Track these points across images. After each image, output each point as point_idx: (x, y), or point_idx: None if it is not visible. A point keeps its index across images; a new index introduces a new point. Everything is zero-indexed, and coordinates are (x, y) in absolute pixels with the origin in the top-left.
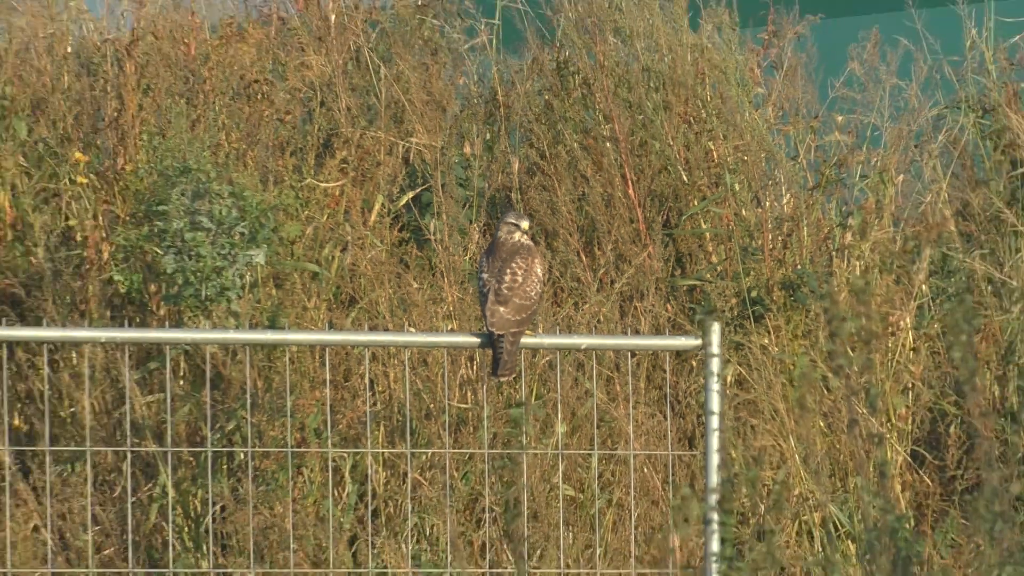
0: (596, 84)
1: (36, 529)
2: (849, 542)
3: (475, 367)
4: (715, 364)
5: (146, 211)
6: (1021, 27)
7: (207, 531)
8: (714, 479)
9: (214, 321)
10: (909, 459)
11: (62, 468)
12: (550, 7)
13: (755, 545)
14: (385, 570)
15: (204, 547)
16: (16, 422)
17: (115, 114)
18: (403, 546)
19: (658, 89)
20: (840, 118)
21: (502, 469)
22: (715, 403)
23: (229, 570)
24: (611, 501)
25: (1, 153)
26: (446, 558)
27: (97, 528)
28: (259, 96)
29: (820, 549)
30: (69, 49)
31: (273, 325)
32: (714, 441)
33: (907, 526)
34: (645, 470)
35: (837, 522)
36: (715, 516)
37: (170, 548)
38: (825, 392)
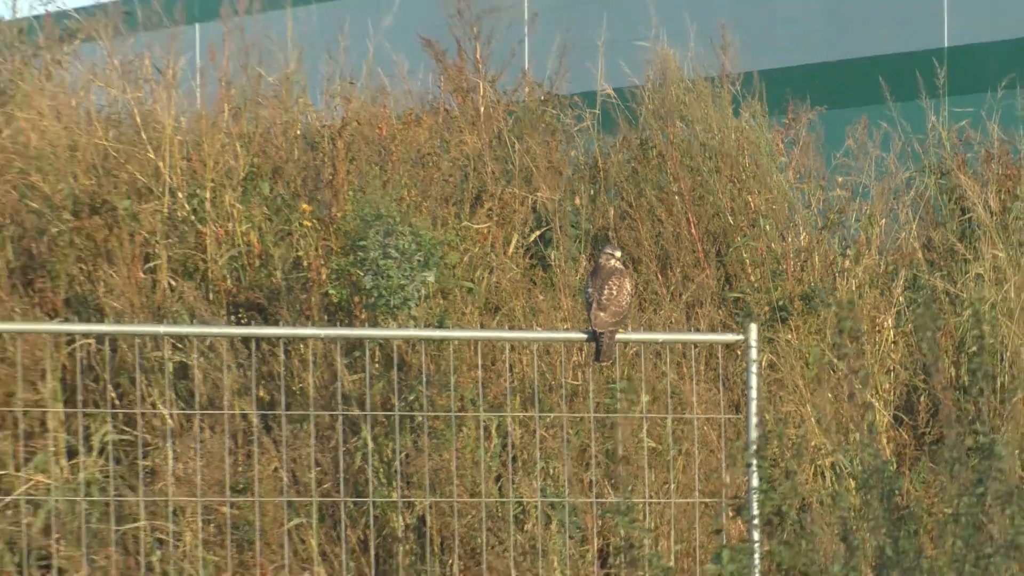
0: (668, 155)
1: (275, 470)
2: (850, 480)
3: (583, 355)
4: (753, 353)
5: (351, 245)
6: (966, 115)
7: (396, 471)
8: (753, 435)
9: (399, 322)
10: (892, 420)
11: (294, 426)
12: (635, 101)
13: (783, 482)
14: (521, 500)
15: (394, 483)
16: (261, 394)
17: (330, 177)
18: (533, 482)
19: (711, 158)
20: (840, 179)
21: (604, 428)
22: (753, 381)
23: (411, 499)
24: (680, 451)
25: (251, 205)
26: (564, 491)
27: (318, 468)
28: (430, 164)
29: (829, 484)
30: (298, 131)
31: (441, 325)
32: (753, 407)
33: (890, 468)
34: (705, 428)
35: (841, 466)
36: (754, 461)
37: (370, 483)
38: (831, 372)
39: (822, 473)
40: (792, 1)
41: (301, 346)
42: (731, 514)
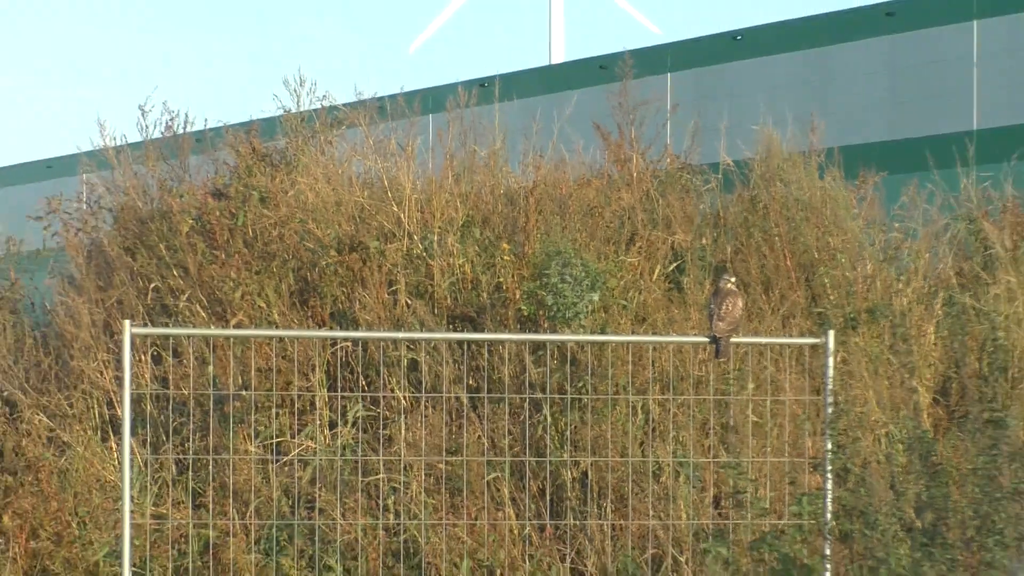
0: (770, 208)
1: (479, 438)
2: (899, 445)
3: (707, 354)
4: (830, 352)
5: (538, 273)
6: (987, 179)
7: (567, 438)
8: (829, 411)
9: (572, 330)
10: (931, 401)
11: (493, 405)
12: (747, 168)
13: (850, 446)
14: (658, 459)
15: (565, 447)
16: (470, 382)
17: (523, 224)
18: (667, 447)
19: (803, 210)
20: (896, 225)
21: (720, 407)
22: (830, 372)
23: (577, 459)
24: (776, 423)
25: (467, 245)
26: (689, 452)
27: (510, 436)
28: (596, 214)
29: (884, 448)
30: (501, 191)
31: (602, 332)
32: (829, 391)
33: (928, 436)
34: (794, 407)
35: (893, 434)
36: (829, 431)
37: (548, 448)
38: (888, 366)
39: (879, 440)
40: (860, 94)
41: (500, 347)
42: (811, 470)
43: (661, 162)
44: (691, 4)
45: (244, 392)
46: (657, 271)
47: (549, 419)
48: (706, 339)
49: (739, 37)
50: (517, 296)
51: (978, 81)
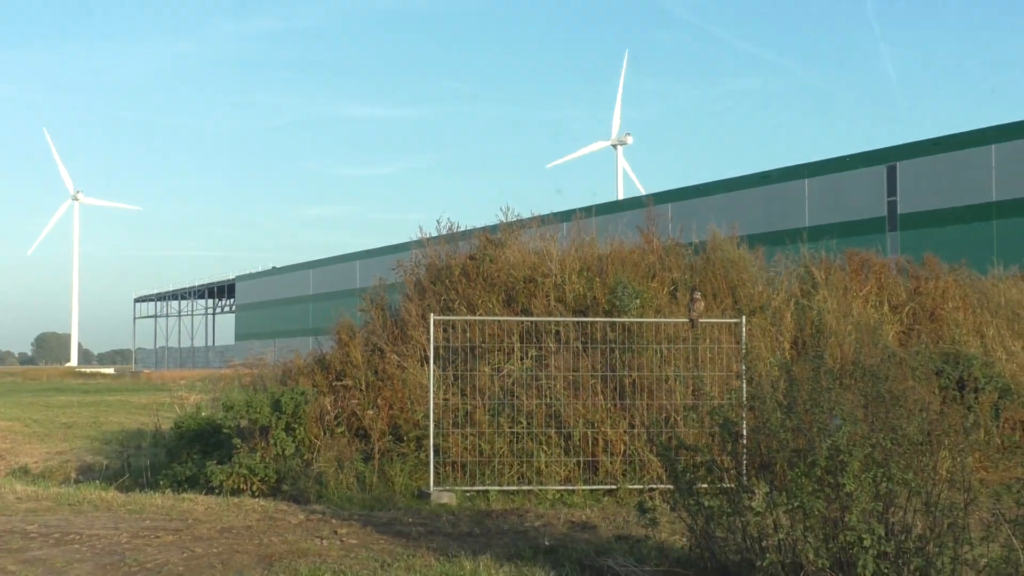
0: (716, 261)
1: (590, 365)
2: (775, 369)
3: (688, 327)
4: (743, 327)
5: (612, 290)
6: (815, 246)
7: (628, 362)
8: (744, 353)
9: (628, 317)
10: (790, 347)
11: (595, 349)
12: (706, 244)
13: (754, 367)
14: (670, 375)
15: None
16: (579, 341)
17: (606, 269)
18: (673, 365)
19: (731, 263)
20: (772, 270)
21: (694, 357)
22: (744, 337)
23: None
24: (719, 358)
25: (581, 278)
26: (680, 369)
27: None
28: (638, 264)
29: (771, 369)
30: (596, 255)
31: (641, 317)
32: (743, 344)
33: (789, 364)
34: (728, 352)
35: (773, 363)
36: (744, 362)
37: (616, 367)
38: (770, 333)
39: (768, 365)
40: (751, 213)
41: (595, 325)
42: (735, 379)
43: (667, 241)
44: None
45: (483, 344)
46: (665, 291)
47: (618, 356)
48: (687, 320)
49: (700, 187)
50: (603, 301)
51: (809, 203)
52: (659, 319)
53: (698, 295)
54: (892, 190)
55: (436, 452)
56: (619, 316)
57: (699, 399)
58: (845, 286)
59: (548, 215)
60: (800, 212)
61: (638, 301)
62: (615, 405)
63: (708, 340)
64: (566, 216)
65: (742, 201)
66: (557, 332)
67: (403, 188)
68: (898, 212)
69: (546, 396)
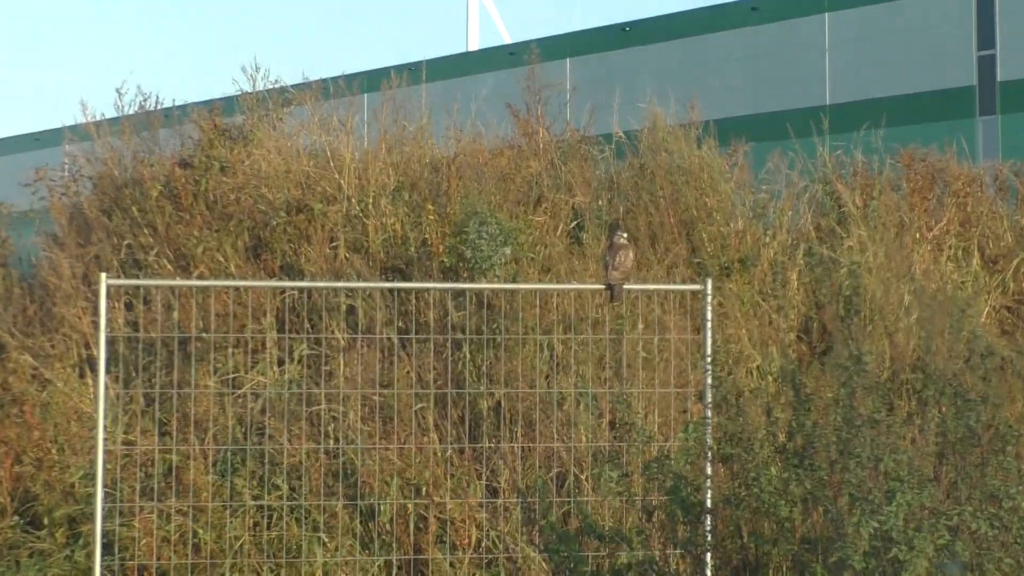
0: (656, 173)
1: (407, 372)
2: (769, 377)
3: (602, 298)
4: (708, 297)
5: (459, 230)
6: (840, 147)
7: (483, 372)
8: (708, 348)
9: (488, 279)
10: (795, 339)
11: (420, 345)
12: (637, 139)
13: (727, 379)
14: (561, 390)
15: (482, 379)
16: (399, 323)
17: (446, 188)
18: (569, 379)
19: (684, 175)
20: (764, 187)
21: (614, 345)
22: (708, 313)
23: (492, 391)
24: (663, 358)
25: (398, 206)
26: (588, 384)
27: (434, 371)
28: (508, 179)
29: (756, 380)
30: (427, 160)
31: (514, 280)
32: (708, 331)
33: (796, 369)
34: (678, 344)
35: (763, 368)
36: (709, 366)
37: (467, 381)
38: (758, 309)
39: (751, 373)
40: (731, 75)
41: (426, 294)
42: (694, 400)
43: (563, 135)
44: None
45: (204, 334)
46: (560, 228)
47: (468, 356)
48: (602, 286)
49: (627, 28)
50: (440, 250)
51: (830, 64)
52: (547, 284)
53: (622, 238)
54: (987, 38)
55: (108, 549)
56: (471, 279)
57: (625, 439)
58: (900, 221)
59: (336, 81)
60: (816, 77)
61: (507, 250)
62: (462, 452)
63: (643, 324)
64: (371, 83)
65: (708, 57)
66: (351, 310)
67: (63, 25)
68: (997, 79)
69: (327, 434)
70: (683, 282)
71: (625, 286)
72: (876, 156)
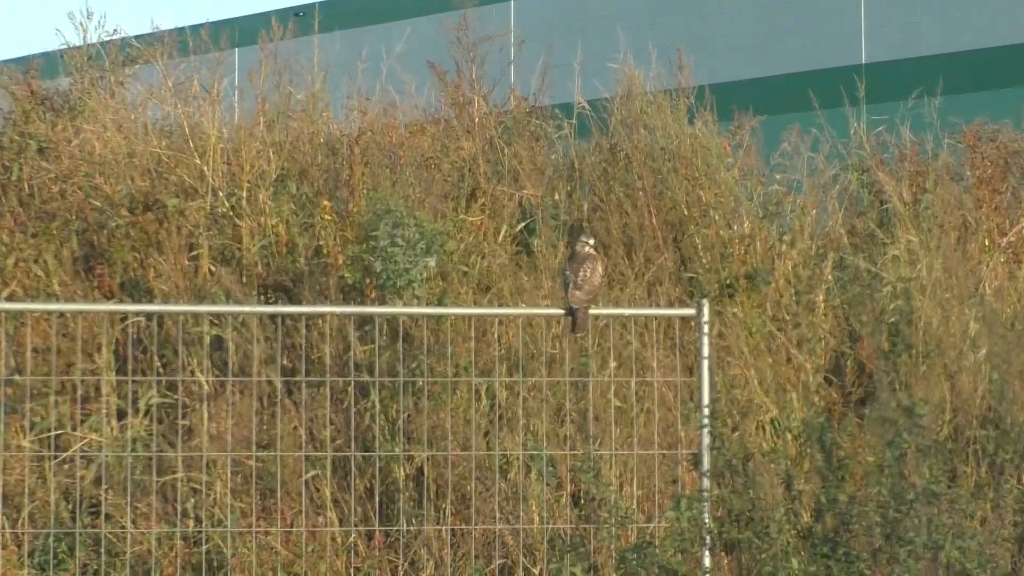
0: (633, 158)
1: (295, 428)
2: (788, 434)
3: (561, 327)
4: (704, 325)
5: (365, 235)
6: (881, 122)
7: (399, 429)
8: (705, 395)
9: (404, 301)
10: (822, 381)
11: (312, 391)
12: (605, 112)
13: (730, 436)
14: (505, 452)
15: (397, 438)
16: (285, 362)
17: (347, 178)
18: (517, 437)
19: (669, 160)
20: (778, 176)
21: (577, 390)
22: (705, 348)
23: (412, 452)
24: (643, 409)
25: (280, 202)
26: (543, 444)
27: (332, 427)
28: (432, 166)
29: (770, 438)
30: (321, 140)
31: (440, 303)
32: (705, 371)
33: (824, 424)
34: (663, 390)
35: (780, 421)
36: (706, 418)
37: (376, 439)
38: (771, 340)
39: (763, 428)
40: (735, 25)
41: (320, 321)
42: (686, 465)
43: (506, 105)
44: None
45: (17, 377)
46: (503, 232)
47: (378, 406)
48: (561, 311)
49: None
50: (340, 262)
51: (866, 8)
52: (486, 308)
53: (588, 245)
54: None
55: None
56: (382, 301)
57: (593, 519)
58: (963, 222)
59: (198, 31)
60: (849, 27)
61: (431, 262)
62: (370, 537)
63: (616, 362)
64: (245, 34)
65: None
66: (219, 343)
67: None
68: None
69: (186, 513)
70: (670, 305)
71: (592, 310)
72: (930, 134)
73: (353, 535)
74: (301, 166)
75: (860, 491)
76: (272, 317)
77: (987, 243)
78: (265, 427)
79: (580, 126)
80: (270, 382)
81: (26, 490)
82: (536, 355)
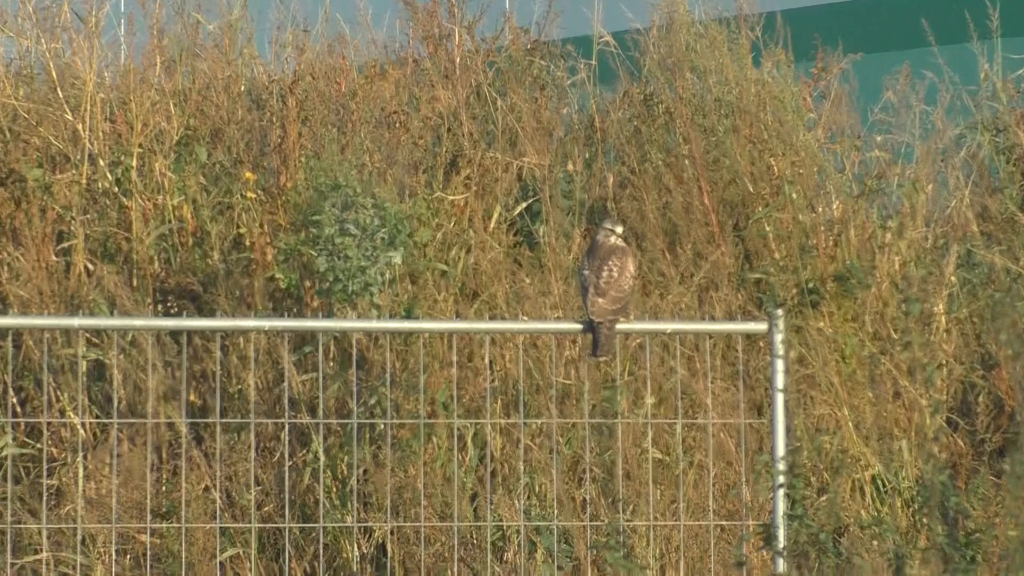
0: (676, 112)
1: (207, 489)
2: (896, 496)
3: (577, 349)
4: (779, 345)
5: (303, 220)
6: (1022, 64)
7: (352, 491)
8: (780, 444)
9: (359, 312)
10: (944, 424)
11: (230, 437)
12: (637, 49)
13: (816, 501)
14: (500, 523)
15: (349, 504)
16: (192, 397)
17: (279, 140)
18: (516, 502)
19: (727, 116)
20: (879, 138)
21: (600, 436)
22: (780, 378)
23: (370, 524)
24: (692, 463)
25: (185, 174)
26: (552, 512)
27: (259, 488)
28: (397, 124)
29: (871, 504)
30: (242, 88)
31: (409, 315)
32: (780, 411)
33: (949, 485)
34: (721, 436)
35: (883, 480)
36: (781, 476)
37: (320, 505)
38: (871, 367)
39: (861, 490)
40: None
41: (241, 341)
42: (754, 541)
43: (499, 41)
44: None
45: None
46: (496, 216)
47: (323, 458)
48: (577, 326)
49: None
50: (269, 258)
51: None
52: (473, 322)
53: (614, 234)
54: None
55: None
56: (328, 311)
57: None
58: None
59: None
60: None
61: (396, 257)
62: None
63: (654, 397)
64: None
65: None
66: (95, 371)
67: None
68: None
69: None
70: (729, 317)
71: (620, 325)
72: None
73: None
74: (214, 124)
75: None
76: (174, 334)
77: None
78: (165, 488)
79: (602, 69)
80: (171, 425)
81: None
82: (543, 387)
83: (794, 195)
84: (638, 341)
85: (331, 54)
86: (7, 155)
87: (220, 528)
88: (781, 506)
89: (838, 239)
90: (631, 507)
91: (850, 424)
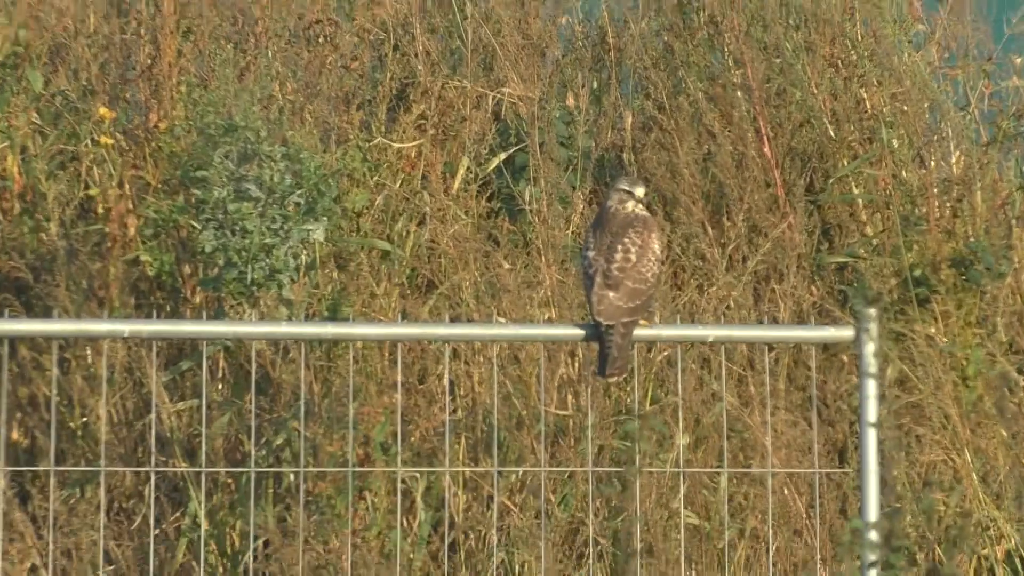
0: (725, 22)
1: (34, 569)
2: None
3: (578, 365)
4: (872, 360)
5: (182, 178)
6: None
7: (246, 572)
8: (873, 504)
9: (262, 311)
10: None
11: (69, 492)
12: None
13: None
14: None
15: None
16: (15, 435)
17: (148, 62)
18: None
19: (799, 27)
20: (1019, 60)
21: (610, 492)
22: (872, 409)
23: None
24: (743, 531)
25: (12, 110)
26: None
27: (111, 568)
28: (321, 39)
29: None
30: None
31: (334, 316)
32: (871, 456)
33: None
34: (785, 491)
35: (1022, 556)
36: (876, 553)
37: None
38: (1007, 393)
39: (991, 571)
40: None
41: (89, 352)
42: None
43: None
44: None
45: None
46: (462, 171)
47: (205, 524)
48: (578, 330)
49: None
50: (131, 231)
51: None
52: (425, 327)
53: (630, 195)
54: None
55: None
56: (217, 308)
57: None
58: None
59: None
60: None
61: (318, 231)
62: None
63: (689, 434)
64: None
65: None
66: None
67: None
68: None
69: None
70: (798, 320)
71: (639, 331)
72: None
73: None
74: (54, 39)
75: None
76: None
77: None
78: None
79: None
80: None
81: None
82: (526, 421)
83: (895, 143)
84: (666, 354)
85: None
86: None
87: None
88: None
89: (958, 206)
90: None
91: (974, 476)
